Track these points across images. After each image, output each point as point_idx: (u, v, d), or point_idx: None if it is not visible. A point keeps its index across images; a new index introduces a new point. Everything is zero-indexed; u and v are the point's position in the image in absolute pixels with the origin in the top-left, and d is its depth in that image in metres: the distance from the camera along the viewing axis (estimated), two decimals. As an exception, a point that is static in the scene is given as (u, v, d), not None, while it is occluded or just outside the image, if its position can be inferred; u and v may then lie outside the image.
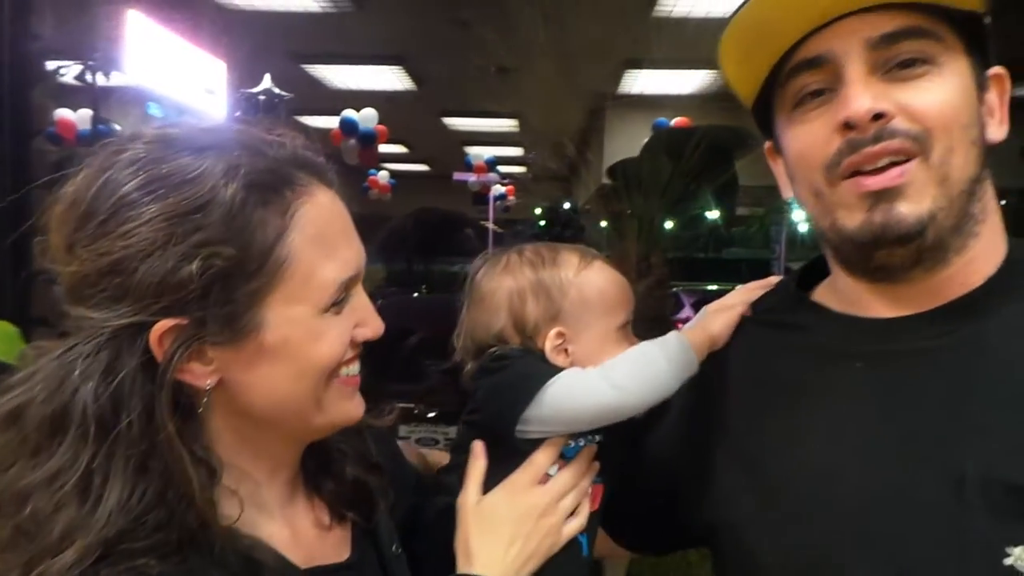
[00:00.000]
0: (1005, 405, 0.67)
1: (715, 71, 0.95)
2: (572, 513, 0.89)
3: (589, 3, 3.59)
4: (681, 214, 3.99)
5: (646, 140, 4.08)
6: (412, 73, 9.24)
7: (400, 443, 1.06)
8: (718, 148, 3.83)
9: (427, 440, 3.50)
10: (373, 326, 0.75)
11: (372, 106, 8.62)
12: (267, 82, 8.06)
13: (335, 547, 0.78)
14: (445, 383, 3.45)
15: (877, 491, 0.69)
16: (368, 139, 8.60)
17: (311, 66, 9.08)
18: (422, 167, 16.38)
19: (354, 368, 0.75)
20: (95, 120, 6.01)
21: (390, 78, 9.46)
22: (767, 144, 0.85)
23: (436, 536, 0.89)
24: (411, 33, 7.56)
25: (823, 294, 0.85)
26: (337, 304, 0.69)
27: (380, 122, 8.66)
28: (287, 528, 0.75)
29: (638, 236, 3.61)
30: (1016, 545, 0.61)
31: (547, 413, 0.86)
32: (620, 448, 0.95)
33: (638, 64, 7.57)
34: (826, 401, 0.76)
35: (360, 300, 0.74)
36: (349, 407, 0.75)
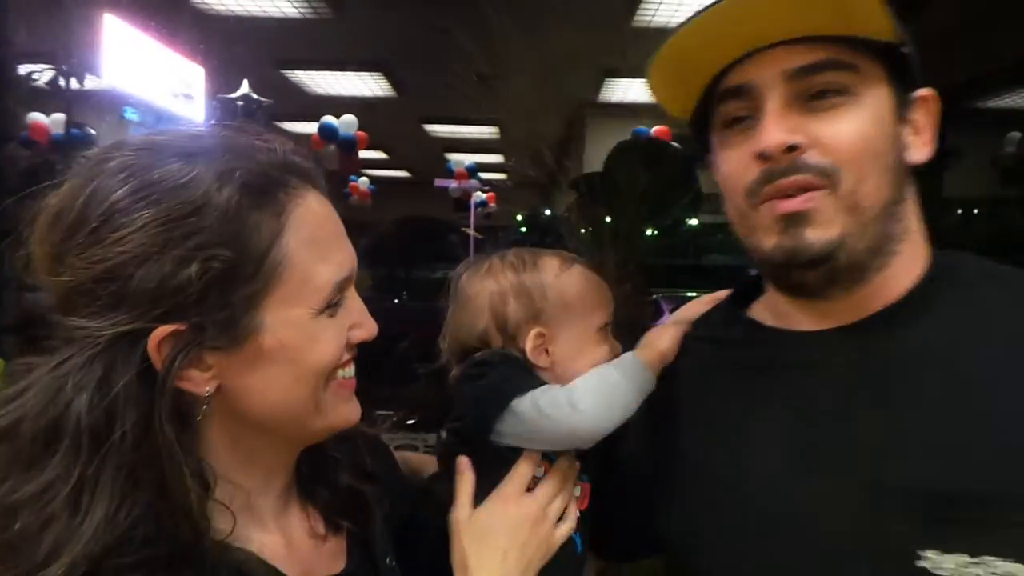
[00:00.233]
0: (919, 414, 0.70)
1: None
2: (561, 517, 0.90)
3: (569, 12, 3.61)
4: (655, 222, 4.02)
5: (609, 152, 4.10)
6: (392, 79, 9.23)
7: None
8: (683, 159, 3.88)
9: (407, 447, 3.49)
10: (368, 327, 0.75)
11: (352, 112, 8.60)
12: (245, 87, 8.01)
13: (330, 557, 0.77)
14: (429, 389, 3.45)
15: (803, 498, 0.72)
16: (348, 145, 8.57)
17: (291, 72, 9.04)
18: (403, 173, 16.36)
19: (350, 371, 0.74)
20: (69, 124, 5.93)
21: (370, 84, 9.45)
22: (708, 157, 0.87)
23: (433, 553, 0.89)
24: (391, 39, 7.56)
25: (759, 310, 0.89)
26: (332, 306, 0.69)
27: (360, 128, 8.64)
28: (281, 538, 0.74)
29: (614, 244, 3.62)
30: (929, 548, 0.64)
31: (516, 429, 0.87)
32: (597, 450, 0.96)
33: (618, 73, 7.63)
34: (758, 413, 0.79)
35: (354, 302, 0.74)
36: (346, 410, 0.75)
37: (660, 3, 6.38)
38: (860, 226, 0.72)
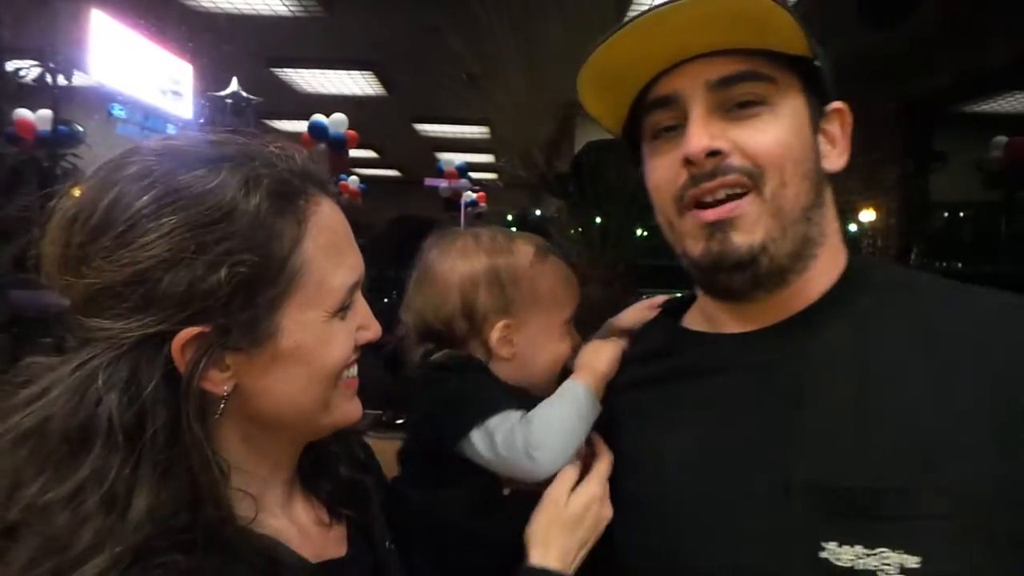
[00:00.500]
0: (827, 413, 0.74)
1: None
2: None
3: (559, 13, 3.62)
4: (645, 223, 4.02)
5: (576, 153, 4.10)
6: (382, 78, 9.21)
7: None
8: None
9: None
10: (374, 328, 0.78)
11: (342, 111, 8.57)
12: (234, 85, 7.97)
13: (334, 543, 0.81)
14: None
15: (719, 492, 0.77)
16: (338, 144, 8.54)
17: (280, 70, 9.00)
18: (393, 172, 16.32)
19: (354, 370, 0.78)
20: (56, 121, 5.88)
21: (361, 83, 9.42)
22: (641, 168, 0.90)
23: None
24: (382, 39, 7.54)
25: (691, 317, 0.94)
26: (343, 309, 0.73)
27: (350, 127, 8.61)
28: (293, 525, 0.77)
29: (604, 244, 3.63)
30: (830, 540, 0.68)
31: (473, 455, 0.88)
32: None
33: (608, 73, 7.62)
34: (679, 418, 0.83)
35: (361, 304, 0.77)
36: (351, 408, 0.78)
37: (651, 3, 6.40)
38: (781, 230, 0.77)
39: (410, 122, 11.37)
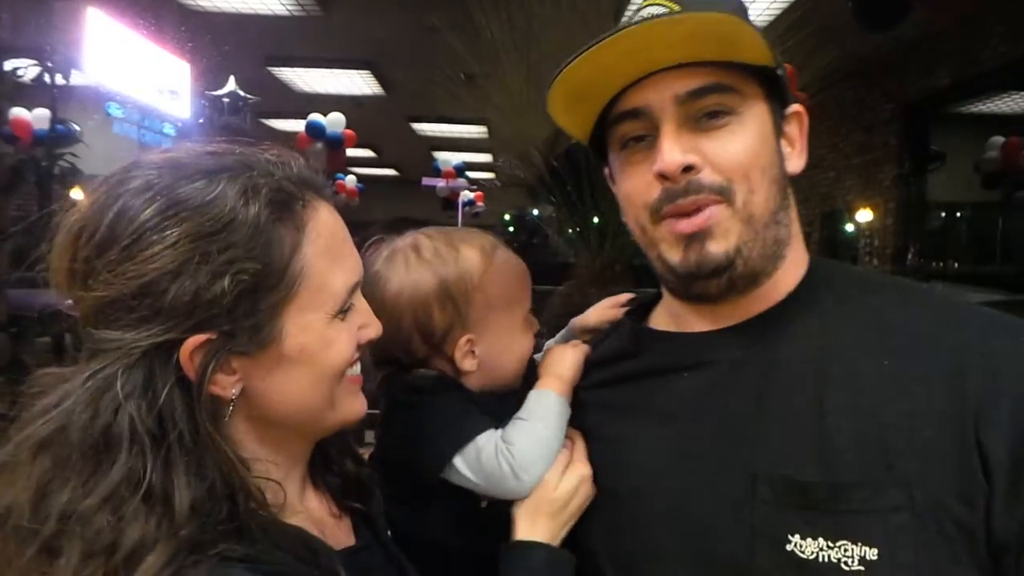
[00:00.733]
0: (790, 409, 0.76)
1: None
2: None
3: (557, 12, 3.62)
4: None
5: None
6: (380, 77, 9.21)
7: None
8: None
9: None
10: (375, 326, 0.80)
11: (339, 110, 8.57)
12: (231, 84, 7.96)
13: (345, 534, 0.84)
14: None
15: (687, 487, 0.79)
16: (335, 143, 8.54)
17: (278, 69, 9.00)
18: (390, 172, 16.32)
19: (357, 368, 0.79)
20: (53, 120, 5.87)
21: (358, 82, 9.42)
22: (606, 171, 0.92)
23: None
24: (379, 38, 7.54)
25: (657, 317, 0.96)
26: (345, 310, 0.75)
27: (348, 126, 8.60)
28: (310, 517, 0.80)
29: (601, 244, 3.63)
30: (796, 533, 0.70)
31: (456, 479, 0.88)
32: None
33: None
34: (655, 412, 0.85)
35: (361, 303, 0.79)
36: (356, 404, 0.80)
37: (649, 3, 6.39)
38: (754, 234, 0.79)
39: (408, 121, 11.38)
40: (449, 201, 11.00)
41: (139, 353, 0.65)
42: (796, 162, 0.86)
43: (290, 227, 0.70)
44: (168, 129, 7.08)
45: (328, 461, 0.86)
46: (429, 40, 5.36)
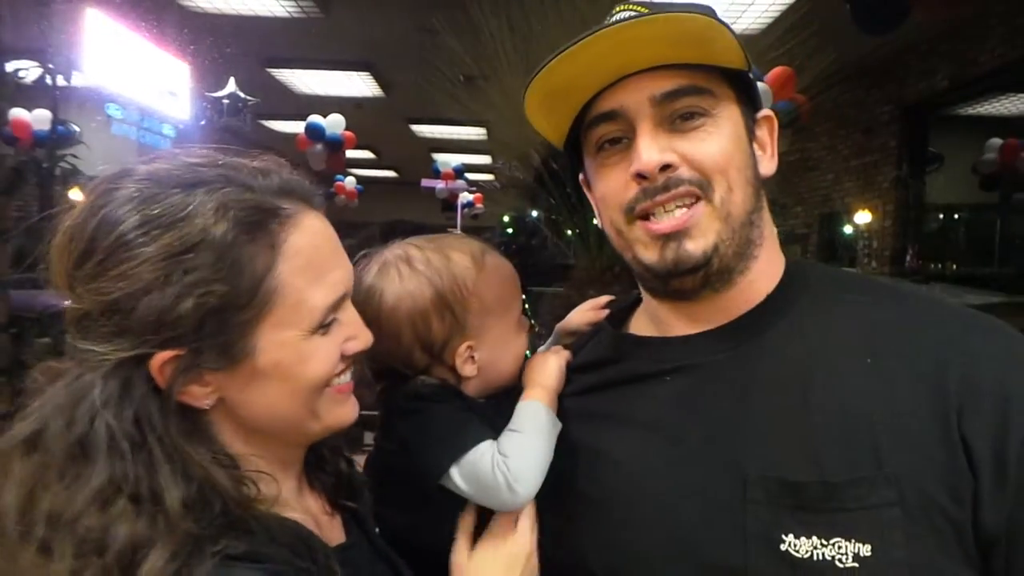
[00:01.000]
0: (775, 410, 0.76)
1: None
2: None
3: (556, 14, 3.62)
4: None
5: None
6: (379, 79, 9.22)
7: None
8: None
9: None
10: (363, 338, 0.79)
11: (339, 112, 8.57)
12: (232, 86, 7.97)
13: (336, 531, 0.85)
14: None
15: (677, 490, 0.79)
16: (335, 145, 8.55)
17: (278, 70, 9.00)
18: (390, 173, 16.32)
19: (346, 376, 0.79)
20: (55, 122, 5.87)
21: (358, 84, 9.42)
22: (581, 177, 0.93)
23: None
24: (379, 39, 7.54)
25: (637, 321, 0.96)
26: (325, 326, 0.73)
27: (347, 128, 8.61)
28: (306, 514, 0.80)
29: (601, 245, 3.63)
30: (789, 533, 0.71)
31: (452, 487, 0.88)
32: None
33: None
34: (639, 417, 0.85)
35: (349, 315, 0.78)
36: (342, 412, 0.79)
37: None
38: (731, 232, 0.80)
39: (407, 123, 11.38)
40: (448, 202, 11.01)
41: (111, 365, 0.66)
42: (768, 165, 0.87)
43: (263, 246, 0.69)
44: (168, 130, 7.08)
45: (321, 460, 0.87)
46: (429, 42, 5.37)
